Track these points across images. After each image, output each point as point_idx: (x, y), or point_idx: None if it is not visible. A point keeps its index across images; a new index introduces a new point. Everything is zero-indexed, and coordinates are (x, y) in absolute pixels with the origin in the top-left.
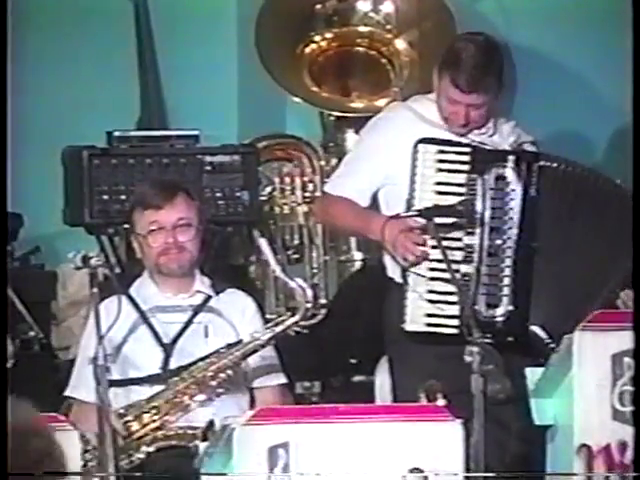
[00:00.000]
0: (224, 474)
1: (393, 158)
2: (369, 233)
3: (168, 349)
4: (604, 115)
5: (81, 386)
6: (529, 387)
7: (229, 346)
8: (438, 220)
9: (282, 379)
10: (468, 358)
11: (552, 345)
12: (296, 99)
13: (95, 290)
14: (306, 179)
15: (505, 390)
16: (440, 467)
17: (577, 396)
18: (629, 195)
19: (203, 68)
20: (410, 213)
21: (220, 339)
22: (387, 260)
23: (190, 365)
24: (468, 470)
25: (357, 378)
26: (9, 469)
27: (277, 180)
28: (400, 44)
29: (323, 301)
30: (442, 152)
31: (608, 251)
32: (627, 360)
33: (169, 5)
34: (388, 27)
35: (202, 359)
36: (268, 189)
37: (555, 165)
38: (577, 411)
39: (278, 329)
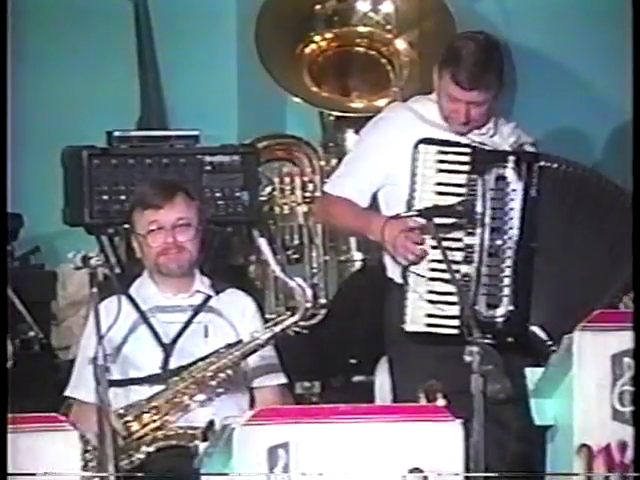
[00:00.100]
0: (224, 474)
1: (393, 158)
2: (369, 233)
3: (168, 349)
4: (604, 114)
5: (81, 386)
6: (529, 387)
7: (229, 346)
8: (438, 220)
9: (282, 379)
10: (468, 358)
11: (552, 345)
12: (296, 99)
13: (95, 290)
14: (306, 179)
15: (505, 390)
16: (440, 467)
17: (577, 396)
18: (629, 195)
19: (203, 68)
20: (410, 213)
21: (220, 339)
22: (387, 260)
23: (190, 365)
24: (468, 470)
25: (357, 378)
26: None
27: (277, 180)
28: (400, 44)
29: (323, 301)
30: (442, 152)
31: (608, 251)
32: (627, 360)
33: (169, 5)
34: (388, 27)
35: (202, 359)
36: (268, 189)
37: (555, 165)
38: (577, 411)
39: (277, 329)
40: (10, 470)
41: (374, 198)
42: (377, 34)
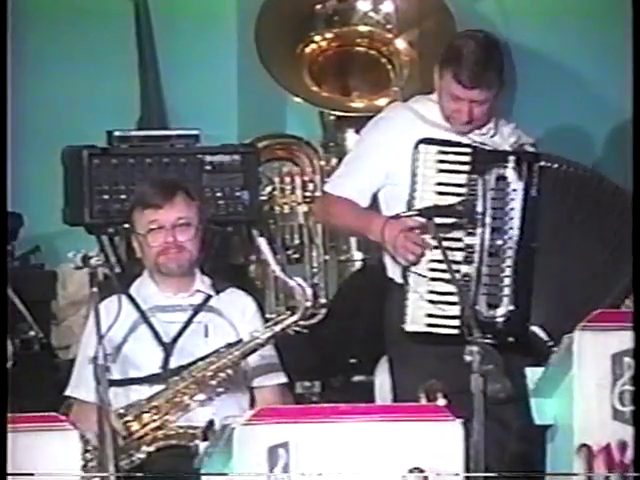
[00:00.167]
0: (224, 474)
1: (393, 158)
2: (369, 233)
3: (168, 348)
4: (603, 113)
5: (81, 386)
6: (529, 387)
7: (229, 345)
8: (438, 220)
9: (282, 379)
10: (468, 358)
11: (552, 345)
12: (296, 99)
13: (95, 290)
14: (306, 179)
15: (505, 390)
16: (440, 467)
17: (577, 396)
18: (629, 195)
19: (203, 68)
20: (410, 213)
21: (220, 338)
22: (387, 260)
23: (190, 365)
24: (468, 470)
25: (357, 378)
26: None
27: (277, 180)
28: (400, 44)
29: (323, 301)
30: (443, 152)
31: (608, 251)
32: (627, 360)
33: (169, 5)
34: (388, 27)
35: (202, 359)
36: (268, 189)
37: (556, 165)
38: (577, 411)
39: (277, 328)
40: (10, 470)
41: (374, 198)
42: (377, 34)
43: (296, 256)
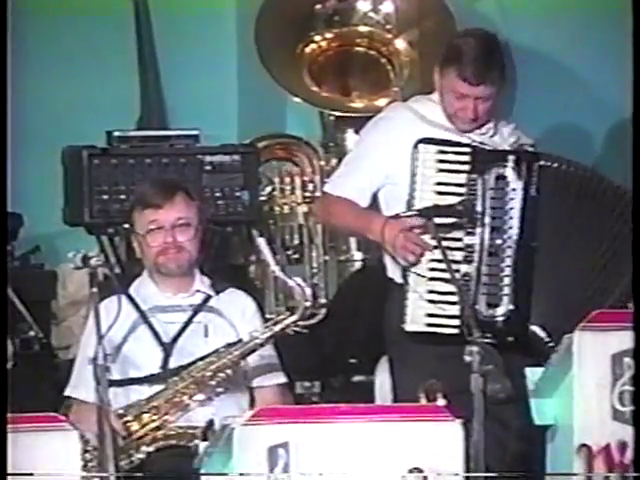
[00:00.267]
0: (224, 474)
1: (393, 158)
2: (369, 233)
3: (168, 349)
4: (603, 112)
5: (81, 386)
6: (529, 387)
7: (229, 345)
8: (438, 220)
9: (282, 379)
10: (468, 358)
11: (552, 345)
12: (296, 99)
13: (95, 290)
14: (306, 179)
15: (505, 390)
16: (440, 467)
17: (577, 396)
18: (629, 195)
19: (203, 68)
20: (410, 213)
21: (220, 339)
22: (387, 260)
23: (190, 365)
24: (468, 470)
25: (357, 378)
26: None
27: (277, 180)
28: (400, 44)
29: (323, 301)
30: (442, 152)
31: (608, 250)
32: (627, 360)
33: (169, 5)
34: (388, 27)
35: (202, 359)
36: (268, 189)
37: (555, 165)
38: (577, 411)
39: (277, 328)
40: (11, 470)
41: (374, 198)
42: (377, 34)
43: (296, 256)
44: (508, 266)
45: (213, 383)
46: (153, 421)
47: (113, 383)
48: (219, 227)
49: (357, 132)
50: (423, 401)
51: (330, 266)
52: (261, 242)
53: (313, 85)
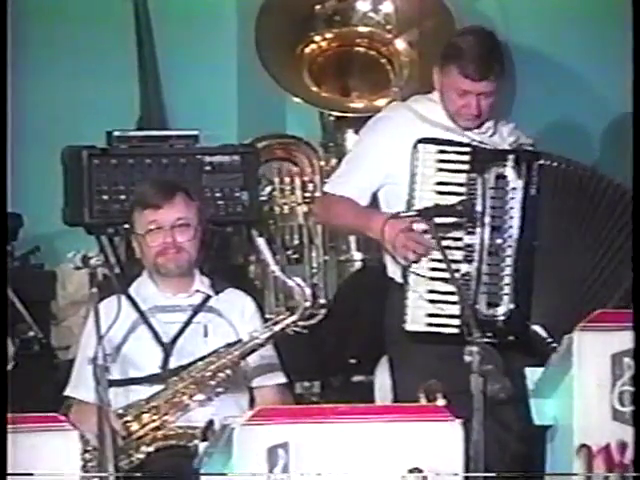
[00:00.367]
0: (223, 474)
1: (393, 157)
2: (369, 231)
3: (168, 349)
4: (603, 111)
5: (81, 386)
6: (529, 387)
7: (228, 346)
8: (438, 220)
9: (282, 379)
10: (468, 358)
11: (553, 344)
12: (296, 99)
13: (95, 290)
14: (306, 179)
15: (505, 390)
16: (440, 467)
17: (577, 396)
18: (630, 193)
19: (203, 68)
20: (410, 213)
21: (219, 339)
22: (387, 260)
23: (189, 365)
24: (468, 470)
25: (357, 378)
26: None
27: (277, 180)
28: (400, 44)
29: (323, 301)
30: (442, 152)
31: (608, 249)
32: (627, 360)
33: (169, 5)
34: (388, 27)
35: (201, 359)
36: (268, 189)
37: (555, 164)
38: (577, 411)
39: (277, 328)
40: (10, 470)
41: (374, 197)
42: (377, 34)
43: (296, 256)
44: (508, 265)
45: (213, 383)
46: (153, 421)
47: (113, 383)
48: (219, 227)
49: (357, 132)
50: (423, 401)
51: (330, 266)
52: (261, 242)
53: (313, 85)
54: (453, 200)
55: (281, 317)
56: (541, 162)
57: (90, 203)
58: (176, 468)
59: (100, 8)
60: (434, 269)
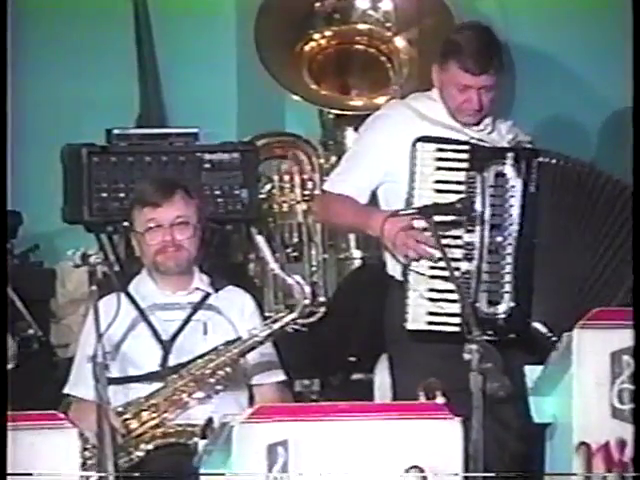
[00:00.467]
0: (222, 474)
1: (392, 155)
2: (368, 229)
3: (167, 346)
4: (603, 109)
5: (80, 384)
6: (528, 385)
7: (228, 343)
8: (438, 218)
9: (281, 376)
10: (467, 356)
11: (554, 339)
12: (295, 97)
13: (94, 288)
14: (305, 177)
15: (504, 388)
16: (439, 465)
17: (576, 394)
18: (629, 190)
19: (202, 66)
20: (409, 211)
21: (219, 336)
22: (387, 258)
23: (189, 362)
24: (467, 468)
25: (356, 376)
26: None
27: (276, 178)
28: (399, 42)
29: (322, 299)
30: (441, 150)
31: (609, 246)
32: (626, 358)
33: (168, 3)
34: (387, 25)
35: (201, 356)
36: (267, 187)
37: (554, 161)
38: (576, 409)
39: (276, 326)
40: (10, 468)
41: (373, 195)
42: (376, 32)
43: (295, 254)
44: (508, 263)
45: (212, 381)
46: (152, 419)
47: (112, 381)
48: (218, 225)
49: (356, 130)
50: (422, 399)
51: (329, 264)
52: (260, 240)
53: (312, 83)
54: (452, 198)
55: (280, 315)
56: (540, 160)
57: (90, 201)
58: (175, 466)
59: (100, 6)
60: (434, 267)
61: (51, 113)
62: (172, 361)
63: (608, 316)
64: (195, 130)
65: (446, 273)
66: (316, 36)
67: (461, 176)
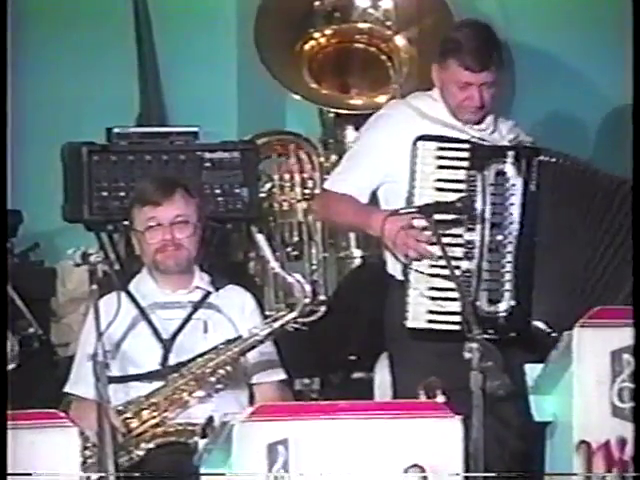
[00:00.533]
0: (222, 474)
1: (394, 156)
2: (368, 228)
3: (167, 345)
4: (603, 108)
5: (80, 382)
6: (528, 384)
7: (228, 342)
8: (438, 217)
9: (281, 375)
10: (467, 355)
11: (554, 334)
12: (295, 96)
13: (94, 287)
14: (305, 176)
15: (504, 387)
16: (439, 464)
17: (576, 393)
18: (629, 188)
19: (203, 65)
20: (409, 210)
21: (219, 335)
22: (387, 257)
23: (189, 361)
24: (467, 466)
25: (356, 375)
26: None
27: (276, 177)
28: (399, 41)
29: (322, 298)
30: (441, 149)
31: (609, 245)
32: (626, 357)
33: (168, 2)
34: (387, 24)
35: (201, 355)
36: (267, 186)
37: (555, 160)
38: (576, 408)
39: (276, 325)
40: (10, 466)
41: (373, 195)
42: (377, 30)
43: (295, 253)
44: (509, 262)
45: (212, 380)
46: (153, 418)
47: (112, 380)
48: (218, 224)
49: (357, 129)
50: (423, 398)
51: (330, 263)
52: (260, 239)
53: (312, 82)
54: (453, 197)
55: (281, 314)
56: (541, 158)
57: (90, 200)
58: (176, 465)
59: (100, 5)
60: (434, 266)
61: (51, 112)
62: (172, 360)
63: (608, 315)
64: (195, 129)
65: (446, 272)
66: (316, 35)
67: (462, 175)
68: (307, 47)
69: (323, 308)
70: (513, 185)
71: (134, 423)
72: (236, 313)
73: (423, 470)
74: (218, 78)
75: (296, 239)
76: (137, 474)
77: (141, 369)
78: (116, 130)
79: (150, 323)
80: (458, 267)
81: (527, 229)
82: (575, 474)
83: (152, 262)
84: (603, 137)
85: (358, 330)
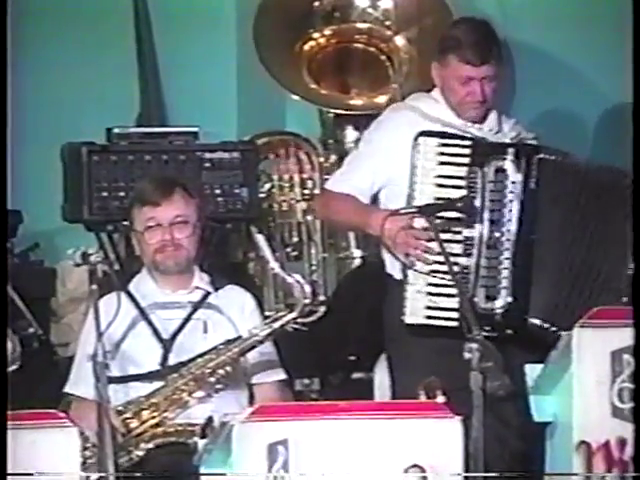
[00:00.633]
0: (223, 473)
1: (396, 160)
2: (368, 228)
3: (167, 345)
4: (603, 106)
5: (80, 383)
6: (528, 384)
7: (228, 342)
8: (437, 214)
9: (281, 375)
10: (467, 355)
11: (552, 329)
12: (295, 97)
13: (94, 287)
14: (305, 176)
15: (504, 387)
16: (439, 464)
17: (576, 393)
18: (629, 186)
19: (202, 65)
20: (409, 210)
21: (219, 335)
22: (386, 256)
23: (189, 361)
24: (467, 466)
25: (356, 375)
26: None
27: (276, 177)
28: (399, 41)
29: (322, 298)
30: (443, 145)
31: (608, 243)
32: (626, 357)
33: (168, 2)
34: (387, 24)
35: (201, 355)
36: (267, 186)
37: (554, 157)
38: (576, 408)
39: (276, 325)
40: (10, 466)
41: (375, 198)
42: (376, 30)
43: (295, 253)
44: (507, 259)
45: (212, 380)
46: (152, 418)
47: (112, 380)
48: (218, 224)
49: (356, 129)
50: (422, 398)
51: (329, 263)
52: (260, 239)
53: (312, 83)
54: (453, 193)
55: (280, 314)
56: (541, 156)
57: (90, 200)
58: (175, 465)
59: (100, 5)
60: (433, 262)
61: (51, 112)
62: (172, 360)
63: (608, 315)
64: (195, 129)
65: (445, 268)
66: (315, 35)
67: (462, 171)
68: (307, 47)
69: (323, 308)
70: (513, 182)
71: (134, 423)
72: (236, 313)
73: (423, 470)
74: (218, 78)
75: (296, 239)
76: (137, 474)
77: (141, 369)
78: (116, 130)
79: (150, 323)
80: (456, 264)
81: (526, 226)
82: (575, 474)
83: (152, 262)
84: (602, 135)
85: (358, 330)
